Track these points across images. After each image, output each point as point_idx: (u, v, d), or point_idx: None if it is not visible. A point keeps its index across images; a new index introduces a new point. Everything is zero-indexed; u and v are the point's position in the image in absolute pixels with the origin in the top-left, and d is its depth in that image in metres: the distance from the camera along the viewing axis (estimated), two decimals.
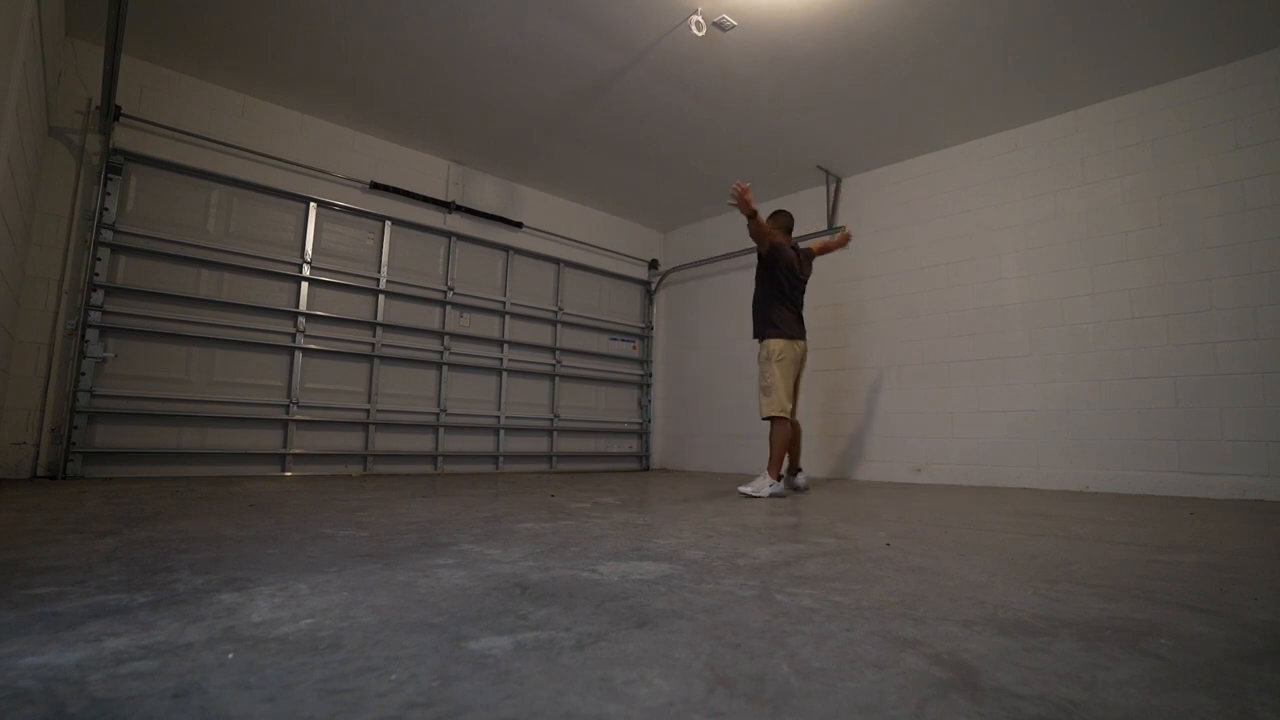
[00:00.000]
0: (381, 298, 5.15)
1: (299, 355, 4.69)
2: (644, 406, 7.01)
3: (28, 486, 3.20)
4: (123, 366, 4.01)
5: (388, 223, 5.24)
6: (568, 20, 3.78)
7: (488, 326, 5.81)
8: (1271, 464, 3.61)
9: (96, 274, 3.90)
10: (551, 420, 6.17)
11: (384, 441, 5.07)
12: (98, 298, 3.92)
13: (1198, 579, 1.47)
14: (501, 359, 5.84)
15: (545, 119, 4.94)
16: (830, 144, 5.22)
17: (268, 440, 4.54)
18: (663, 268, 7.29)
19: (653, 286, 7.27)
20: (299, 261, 4.76)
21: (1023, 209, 4.72)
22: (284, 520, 2.16)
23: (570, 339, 6.44)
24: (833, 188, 5.78)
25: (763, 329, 3.83)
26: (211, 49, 4.11)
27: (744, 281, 6.50)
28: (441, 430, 5.40)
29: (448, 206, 5.58)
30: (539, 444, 6.09)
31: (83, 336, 3.83)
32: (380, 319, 5.11)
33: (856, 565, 1.58)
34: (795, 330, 3.80)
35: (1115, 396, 4.17)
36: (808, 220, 5.78)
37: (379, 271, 5.17)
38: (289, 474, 4.49)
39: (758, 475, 3.78)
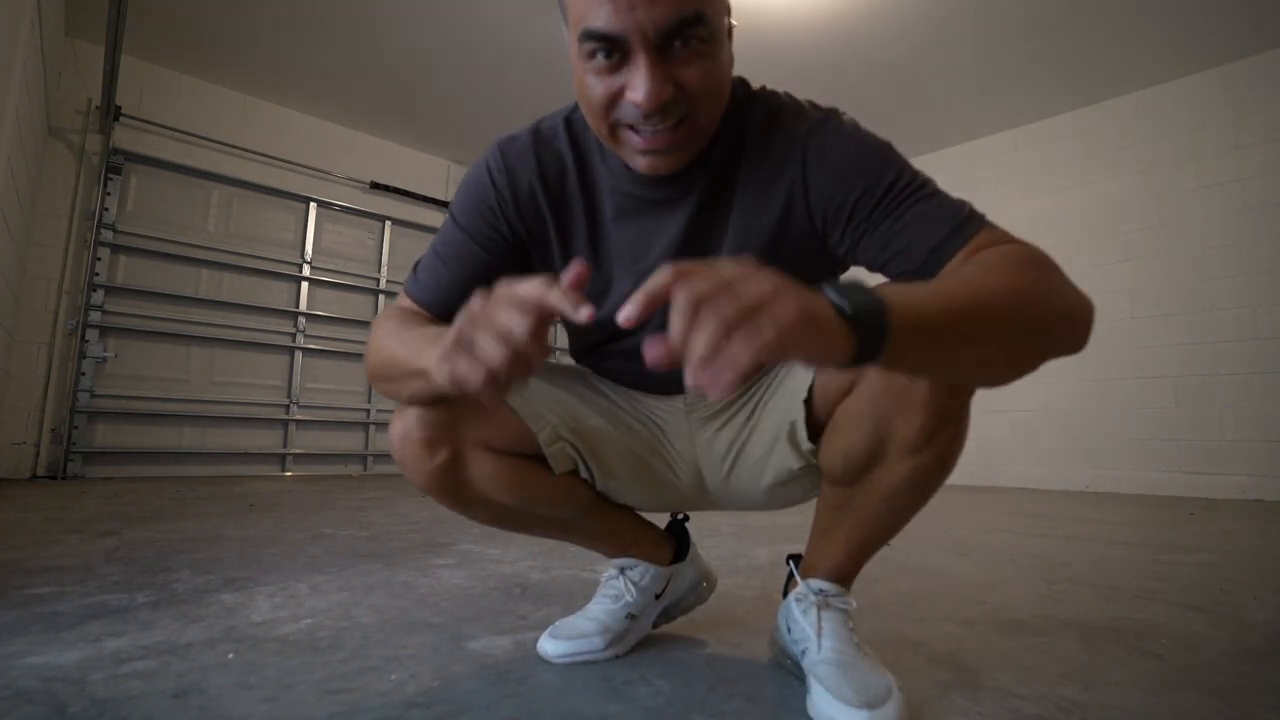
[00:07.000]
0: (382, 298, 5.14)
1: (299, 355, 4.69)
2: None
3: (28, 486, 3.20)
4: (123, 366, 4.01)
5: (388, 223, 5.24)
6: None
7: None
8: (1271, 464, 3.60)
9: (96, 274, 3.90)
10: None
11: (384, 442, 5.06)
12: (98, 297, 3.91)
13: (1198, 579, 1.47)
14: None
15: None
16: None
17: (268, 440, 4.54)
18: None
19: None
20: (299, 261, 4.76)
21: (1023, 209, 4.72)
22: (284, 520, 2.16)
23: None
24: None
25: None
26: (211, 49, 4.11)
27: None
28: None
29: (448, 206, 5.57)
30: None
31: (83, 336, 3.82)
32: None
33: None
34: None
35: (1115, 396, 4.17)
36: None
37: (379, 271, 5.17)
38: (289, 474, 4.49)
39: None
